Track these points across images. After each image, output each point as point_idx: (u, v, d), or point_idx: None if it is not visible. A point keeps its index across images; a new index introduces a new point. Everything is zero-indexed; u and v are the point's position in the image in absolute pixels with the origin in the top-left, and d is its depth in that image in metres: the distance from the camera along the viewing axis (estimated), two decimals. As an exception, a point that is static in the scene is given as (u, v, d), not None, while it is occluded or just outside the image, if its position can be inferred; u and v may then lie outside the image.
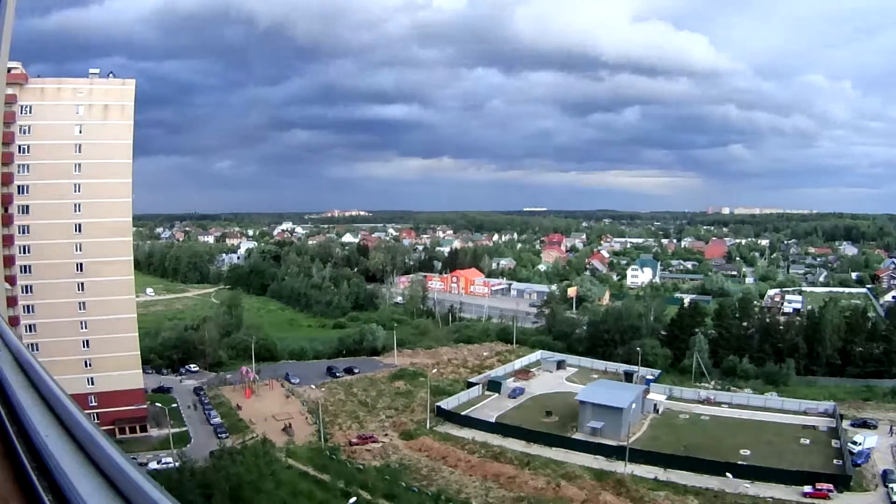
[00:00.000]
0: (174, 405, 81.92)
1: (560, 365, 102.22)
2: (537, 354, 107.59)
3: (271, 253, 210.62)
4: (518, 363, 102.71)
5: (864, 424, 74.59)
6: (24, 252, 68.14)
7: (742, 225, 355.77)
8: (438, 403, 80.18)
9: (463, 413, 79.01)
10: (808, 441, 70.38)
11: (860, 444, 67.48)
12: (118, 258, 74.53)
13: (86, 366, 71.42)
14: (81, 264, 71.85)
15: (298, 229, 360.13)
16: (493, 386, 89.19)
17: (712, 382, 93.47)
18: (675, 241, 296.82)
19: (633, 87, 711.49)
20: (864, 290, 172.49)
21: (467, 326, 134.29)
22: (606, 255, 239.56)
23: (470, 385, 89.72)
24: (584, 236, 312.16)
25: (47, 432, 3.02)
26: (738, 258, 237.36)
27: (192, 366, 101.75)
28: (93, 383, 71.52)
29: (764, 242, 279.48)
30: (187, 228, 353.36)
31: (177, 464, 62.97)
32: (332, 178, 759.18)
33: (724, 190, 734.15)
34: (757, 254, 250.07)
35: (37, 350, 61.94)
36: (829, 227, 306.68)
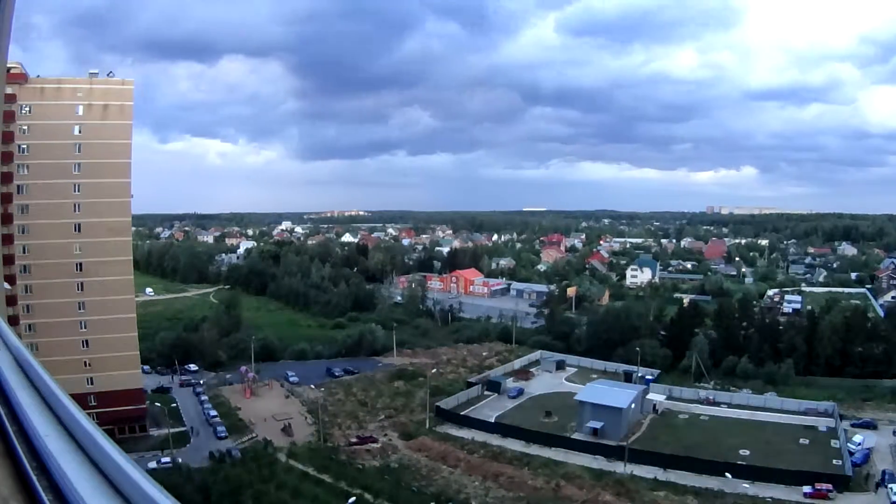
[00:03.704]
0: (174, 405, 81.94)
1: (559, 365, 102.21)
2: (537, 354, 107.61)
3: (270, 253, 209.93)
4: (517, 363, 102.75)
5: (865, 425, 74.61)
6: (24, 252, 68.13)
7: (742, 225, 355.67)
8: (438, 403, 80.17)
9: (462, 413, 79.06)
10: (807, 441, 70.47)
11: (860, 444, 67.56)
12: (117, 258, 74.43)
13: (85, 366, 71.32)
14: (81, 264, 71.79)
15: (298, 229, 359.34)
16: (493, 386, 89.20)
17: (712, 382, 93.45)
18: (674, 241, 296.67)
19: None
20: (863, 290, 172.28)
21: (467, 326, 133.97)
22: (606, 255, 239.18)
23: (469, 385, 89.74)
24: (583, 236, 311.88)
25: (47, 432, 3.02)
26: (737, 258, 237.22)
27: (191, 366, 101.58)
28: (92, 383, 71.44)
29: (763, 242, 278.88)
30: (186, 228, 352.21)
31: (174, 463, 63.08)
32: (330, 178, 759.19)
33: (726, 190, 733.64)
34: (756, 254, 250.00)
35: (36, 350, 61.95)
36: (829, 227, 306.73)
